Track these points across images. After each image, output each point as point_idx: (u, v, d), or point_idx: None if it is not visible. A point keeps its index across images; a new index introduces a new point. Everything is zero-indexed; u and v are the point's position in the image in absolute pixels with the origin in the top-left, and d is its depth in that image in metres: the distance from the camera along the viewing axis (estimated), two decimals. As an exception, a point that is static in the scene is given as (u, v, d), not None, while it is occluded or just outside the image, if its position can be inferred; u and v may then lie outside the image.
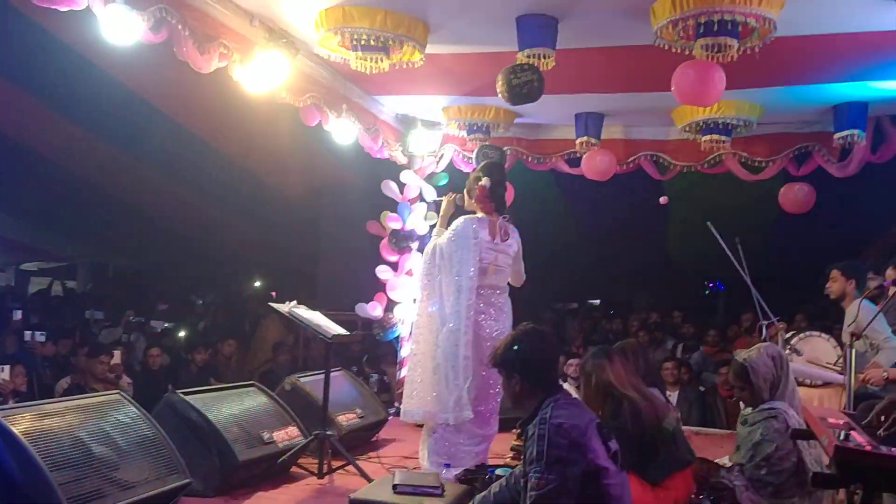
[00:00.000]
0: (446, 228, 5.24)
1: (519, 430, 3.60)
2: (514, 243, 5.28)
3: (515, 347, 3.36)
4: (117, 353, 7.72)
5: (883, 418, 2.55)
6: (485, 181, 5.15)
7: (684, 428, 4.93)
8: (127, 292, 16.96)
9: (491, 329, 5.01)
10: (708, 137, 7.21)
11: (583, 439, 3.10)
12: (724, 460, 4.58)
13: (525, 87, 5.56)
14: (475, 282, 4.97)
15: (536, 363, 3.35)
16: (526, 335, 3.42)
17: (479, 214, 5.16)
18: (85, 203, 13.83)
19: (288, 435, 5.45)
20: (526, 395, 3.33)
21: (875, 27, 5.27)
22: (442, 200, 5.57)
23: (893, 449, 2.23)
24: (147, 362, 8.59)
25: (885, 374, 4.89)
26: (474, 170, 5.60)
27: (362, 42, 5.50)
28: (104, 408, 4.23)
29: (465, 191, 5.39)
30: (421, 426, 5.38)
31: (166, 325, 12.54)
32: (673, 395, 7.85)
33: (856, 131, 6.98)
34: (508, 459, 5.70)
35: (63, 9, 4.33)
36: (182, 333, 11.72)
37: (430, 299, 5.14)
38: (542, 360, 3.38)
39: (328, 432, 5.38)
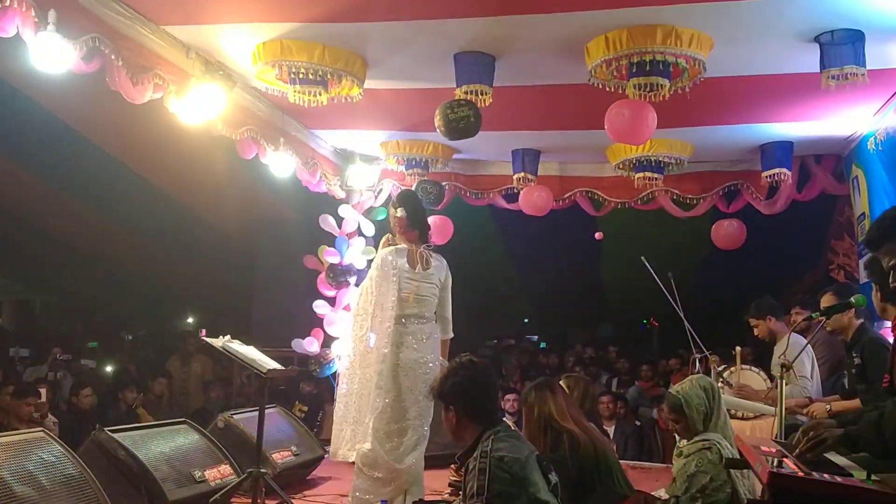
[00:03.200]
0: None
1: (457, 465, 3.55)
2: (438, 272, 5.20)
3: (450, 379, 3.33)
4: (43, 392, 7.43)
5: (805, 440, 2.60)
6: (400, 212, 5.18)
7: (621, 462, 4.96)
8: (55, 329, 16.43)
9: (409, 359, 4.98)
10: (641, 175, 7.38)
11: (524, 472, 3.07)
12: (661, 493, 4.61)
13: (462, 122, 5.62)
14: (395, 311, 4.98)
15: (472, 395, 3.31)
16: (461, 367, 3.38)
17: (400, 245, 5.18)
18: (10, 237, 13.39)
19: (220, 473, 5.30)
20: (464, 428, 3.28)
21: (799, 69, 5.48)
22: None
23: (825, 475, 2.28)
24: (76, 402, 8.29)
25: (828, 407, 4.99)
26: (390, 204, 5.59)
27: (300, 75, 5.50)
28: (27, 446, 4.06)
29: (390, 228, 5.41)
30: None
31: (93, 363, 12.16)
32: (609, 429, 7.90)
33: (782, 170, 7.24)
34: (446, 496, 5.64)
35: (-9, 36, 4.23)
36: (111, 371, 11.37)
37: (358, 336, 5.15)
38: (478, 393, 3.34)
39: (262, 470, 5.24)
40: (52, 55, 4.41)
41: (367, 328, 5.11)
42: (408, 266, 5.05)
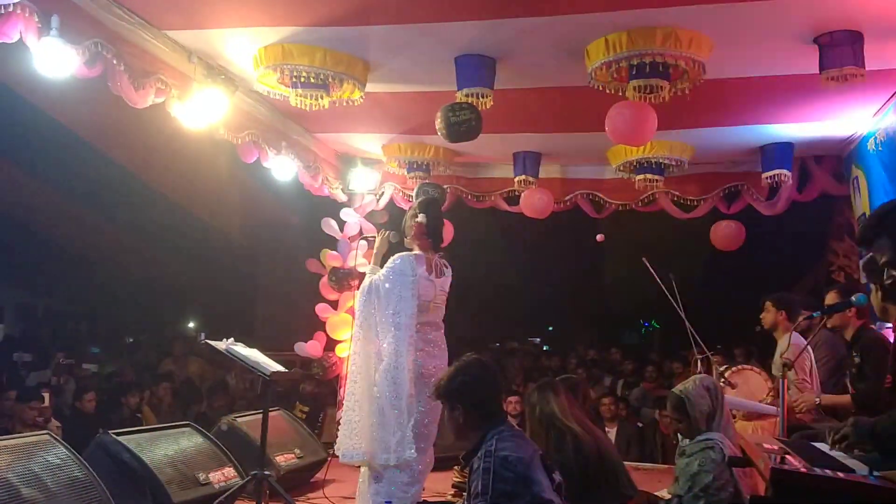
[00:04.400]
0: (380, 266, 5.19)
1: (461, 466, 3.57)
2: (447, 280, 5.26)
3: (458, 378, 3.34)
4: (46, 396, 7.46)
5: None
6: (421, 218, 5.08)
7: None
8: (57, 334, 16.45)
9: (429, 365, 4.96)
10: (642, 177, 7.38)
11: (528, 472, 3.08)
12: (664, 493, 4.62)
13: (464, 125, 5.63)
14: (415, 318, 4.92)
15: (479, 394, 3.32)
16: (469, 366, 3.39)
17: (416, 251, 5.11)
18: (12, 242, 13.43)
19: (224, 476, 5.32)
20: (469, 427, 3.29)
21: (799, 70, 5.50)
22: (375, 238, 5.49)
23: (827, 470, 2.29)
24: (79, 406, 8.32)
25: (816, 399, 5.00)
26: (410, 207, 5.54)
27: (302, 79, 5.52)
28: (33, 449, 4.09)
29: (402, 228, 5.31)
30: (359, 467, 5.27)
31: (95, 367, 12.17)
32: (611, 431, 7.91)
33: (782, 171, 7.24)
34: (450, 497, 5.66)
35: (-5, 41, 4.26)
36: (113, 375, 11.37)
37: (367, 338, 5.07)
38: (485, 391, 3.35)
39: (266, 473, 5.26)
40: (54, 60, 4.44)
41: (368, 333, 5.05)
42: (426, 273, 5.02)
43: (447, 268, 5.19)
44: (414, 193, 8.13)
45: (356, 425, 4.94)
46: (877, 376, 4.56)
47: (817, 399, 4.99)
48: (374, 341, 4.98)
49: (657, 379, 9.95)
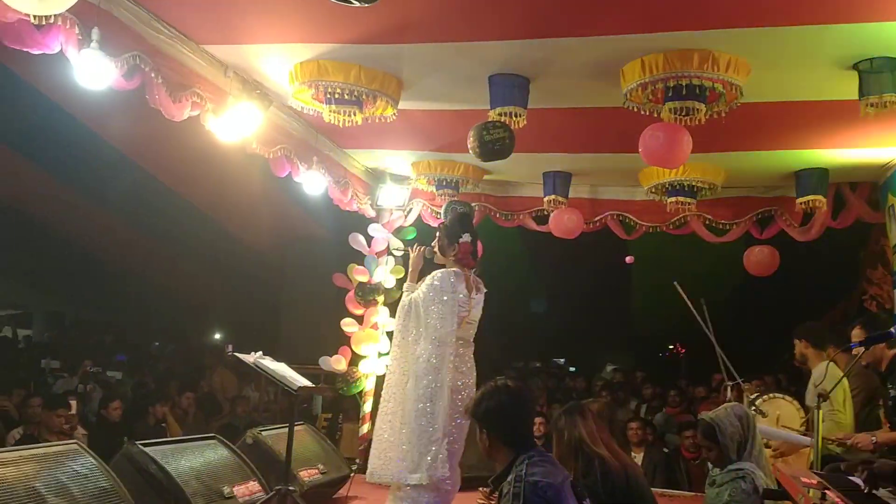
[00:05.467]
0: (416, 282, 5.18)
1: (489, 489, 3.52)
2: (482, 298, 5.24)
3: (483, 403, 3.32)
4: (73, 404, 7.49)
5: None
6: (466, 237, 5.08)
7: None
8: (84, 342, 16.61)
9: (458, 381, 4.94)
10: (673, 199, 7.32)
11: (558, 498, 3.03)
12: (692, 522, 4.54)
13: (497, 143, 5.61)
14: (454, 336, 4.90)
15: (503, 420, 3.29)
16: (495, 392, 3.36)
17: (455, 268, 5.09)
18: (43, 250, 13.60)
19: (249, 490, 5.30)
20: (496, 451, 3.26)
21: (836, 96, 5.43)
22: (409, 253, 5.48)
23: (869, 508, 2.24)
24: (105, 414, 8.35)
25: (873, 438, 4.87)
26: (442, 224, 5.53)
27: (336, 95, 5.54)
28: (61, 458, 4.10)
29: (436, 244, 5.31)
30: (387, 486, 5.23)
31: (119, 375, 12.25)
32: (638, 456, 7.80)
33: (817, 197, 7.14)
34: (474, 518, 5.61)
35: (35, 52, 4.31)
36: (138, 384, 11.43)
37: (404, 357, 5.05)
38: (510, 418, 3.31)
39: (290, 488, 5.23)
40: (94, 72, 4.48)
41: (405, 350, 5.04)
42: (465, 291, 5.01)
43: (482, 285, 5.18)
44: (442, 210, 8.12)
45: (386, 443, 4.92)
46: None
47: (874, 438, 4.86)
48: (409, 359, 4.98)
49: (681, 403, 9.82)
